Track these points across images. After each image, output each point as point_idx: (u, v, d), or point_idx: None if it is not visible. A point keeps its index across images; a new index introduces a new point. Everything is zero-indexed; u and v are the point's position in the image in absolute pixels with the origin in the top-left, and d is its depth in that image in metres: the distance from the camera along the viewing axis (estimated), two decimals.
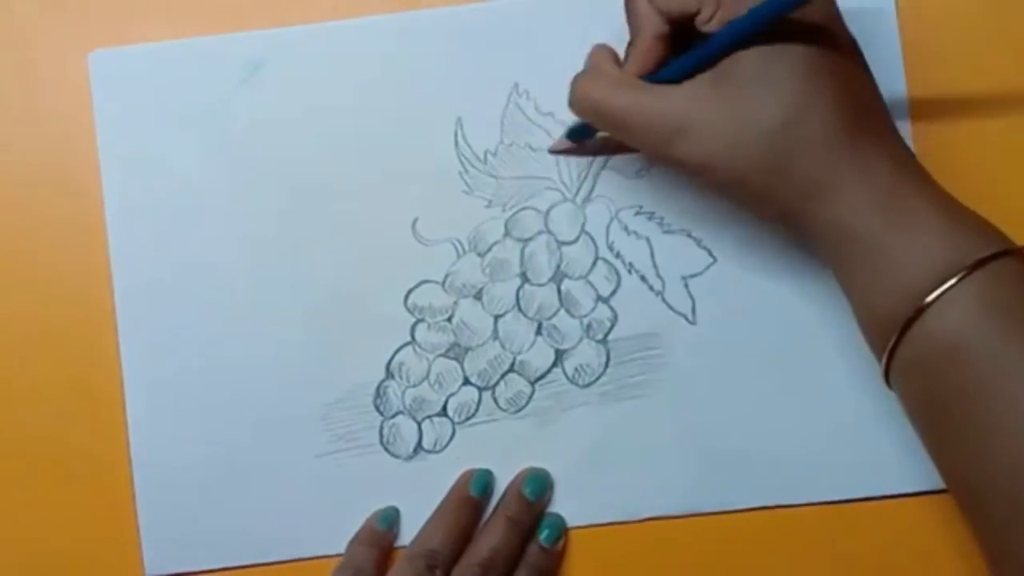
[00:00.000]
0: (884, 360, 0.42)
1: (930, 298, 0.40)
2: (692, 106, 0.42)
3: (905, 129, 0.50)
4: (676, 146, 0.43)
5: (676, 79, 0.43)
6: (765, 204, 0.43)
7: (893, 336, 0.41)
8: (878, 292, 0.41)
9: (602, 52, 0.47)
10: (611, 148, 0.50)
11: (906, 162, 0.42)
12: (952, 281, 0.40)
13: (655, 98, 0.43)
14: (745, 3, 0.41)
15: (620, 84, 0.44)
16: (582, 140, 0.50)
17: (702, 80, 0.42)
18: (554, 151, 0.50)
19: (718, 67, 0.42)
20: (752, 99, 0.41)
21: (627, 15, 0.45)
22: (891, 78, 0.50)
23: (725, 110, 0.42)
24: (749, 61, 0.41)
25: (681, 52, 0.44)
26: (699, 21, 0.43)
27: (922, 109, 0.50)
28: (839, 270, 0.43)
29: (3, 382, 0.51)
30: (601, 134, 0.49)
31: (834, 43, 0.42)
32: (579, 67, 0.50)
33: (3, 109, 0.52)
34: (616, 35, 0.50)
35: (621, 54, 0.47)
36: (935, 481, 0.49)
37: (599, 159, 0.51)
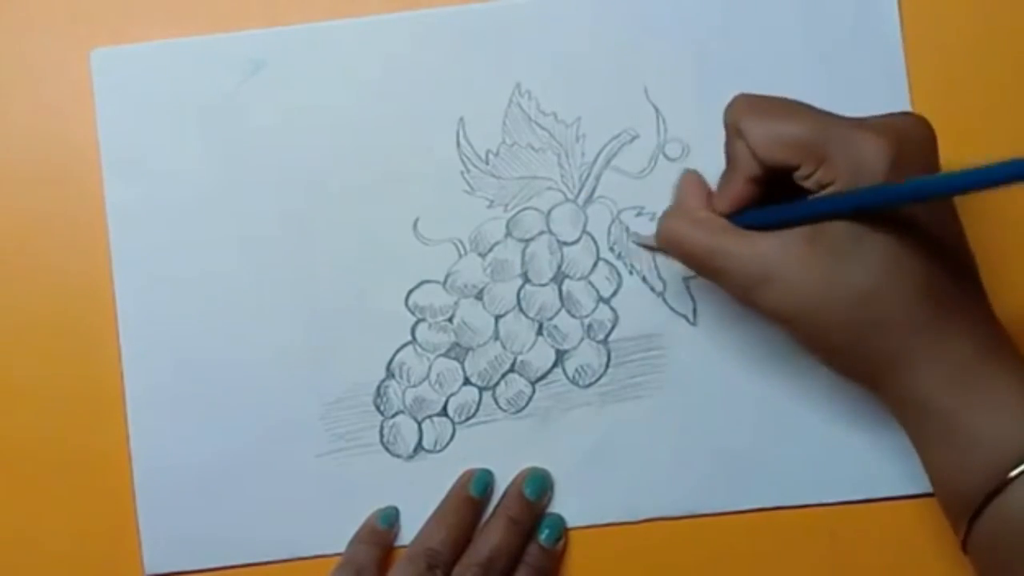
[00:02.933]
0: (963, 532, 0.42)
1: (1013, 474, 0.40)
2: (781, 258, 0.42)
3: None
4: (759, 294, 0.42)
5: (764, 227, 0.43)
6: (843, 365, 0.43)
7: (972, 509, 0.41)
8: (956, 467, 0.41)
9: (690, 184, 0.47)
10: None
11: (989, 336, 0.42)
12: None
13: (742, 244, 0.43)
14: (842, 169, 0.41)
15: (707, 225, 0.44)
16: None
17: (794, 234, 0.42)
18: (640, 244, 0.50)
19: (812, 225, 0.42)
20: (843, 264, 0.41)
21: (726, 150, 0.45)
22: (891, 77, 0.50)
23: (815, 269, 0.41)
24: (846, 225, 0.41)
25: (771, 196, 0.44)
26: (798, 176, 0.42)
27: (923, 109, 0.51)
28: (916, 440, 0.43)
29: (3, 382, 0.51)
30: None
31: (931, 215, 0.42)
32: (582, 67, 0.51)
33: (4, 107, 0.51)
34: (616, 34, 0.51)
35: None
36: None
37: (600, 159, 0.51)
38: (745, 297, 0.43)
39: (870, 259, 0.41)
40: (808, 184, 0.42)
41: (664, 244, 0.45)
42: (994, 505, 0.40)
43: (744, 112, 0.43)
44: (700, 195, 0.46)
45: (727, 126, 0.44)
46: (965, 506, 0.41)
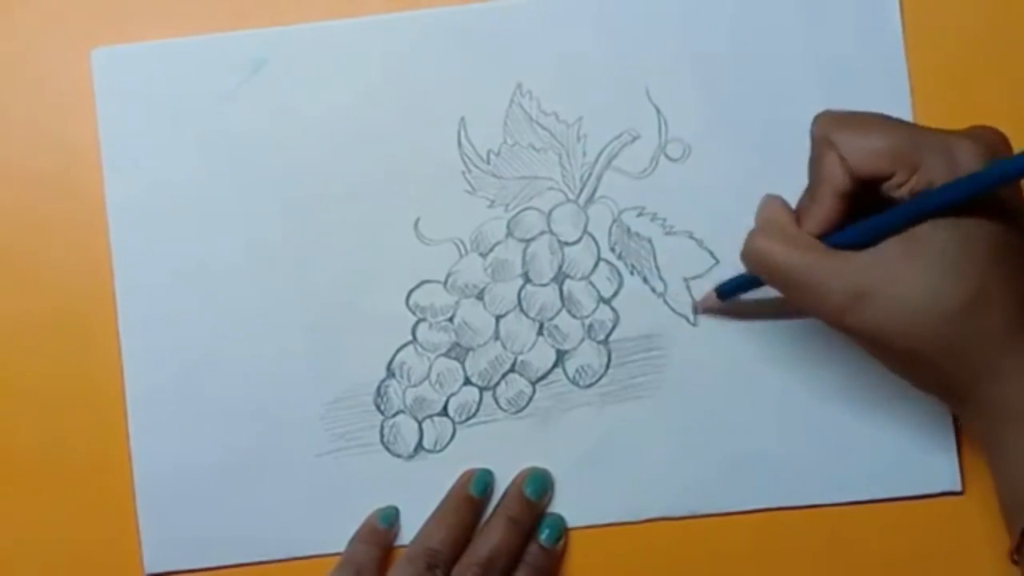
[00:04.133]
0: (1015, 540, 0.42)
1: None
2: (879, 271, 0.41)
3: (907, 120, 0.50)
4: (855, 311, 0.42)
5: (857, 244, 0.42)
6: (932, 378, 0.43)
7: None
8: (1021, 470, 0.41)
9: (775, 205, 0.46)
10: (764, 311, 0.49)
11: None
12: None
13: (837, 260, 0.42)
14: (938, 172, 0.41)
15: (799, 243, 0.43)
16: (730, 296, 0.49)
17: (891, 245, 0.41)
18: (704, 310, 0.50)
19: (908, 234, 0.41)
20: (944, 273, 0.41)
21: (812, 167, 0.44)
22: (892, 77, 0.50)
23: (914, 280, 0.41)
24: (944, 233, 0.41)
25: (858, 213, 0.43)
26: (889, 186, 0.42)
27: (924, 108, 0.51)
28: (992, 443, 0.43)
29: (3, 382, 0.51)
30: (751, 295, 0.48)
31: (1020, 236, 0.42)
32: (583, 67, 0.51)
33: (5, 107, 0.51)
34: (618, 34, 0.51)
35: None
36: (935, 484, 0.49)
37: (602, 160, 0.51)
38: (841, 318, 0.42)
39: (968, 274, 0.41)
40: (901, 192, 0.42)
41: (752, 265, 0.44)
42: None
43: (834, 125, 0.43)
44: (787, 214, 0.45)
45: (815, 140, 0.44)
46: (1021, 509, 0.41)
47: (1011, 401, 0.41)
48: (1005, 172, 0.39)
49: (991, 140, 0.42)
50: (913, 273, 0.41)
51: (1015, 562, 0.42)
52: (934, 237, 0.41)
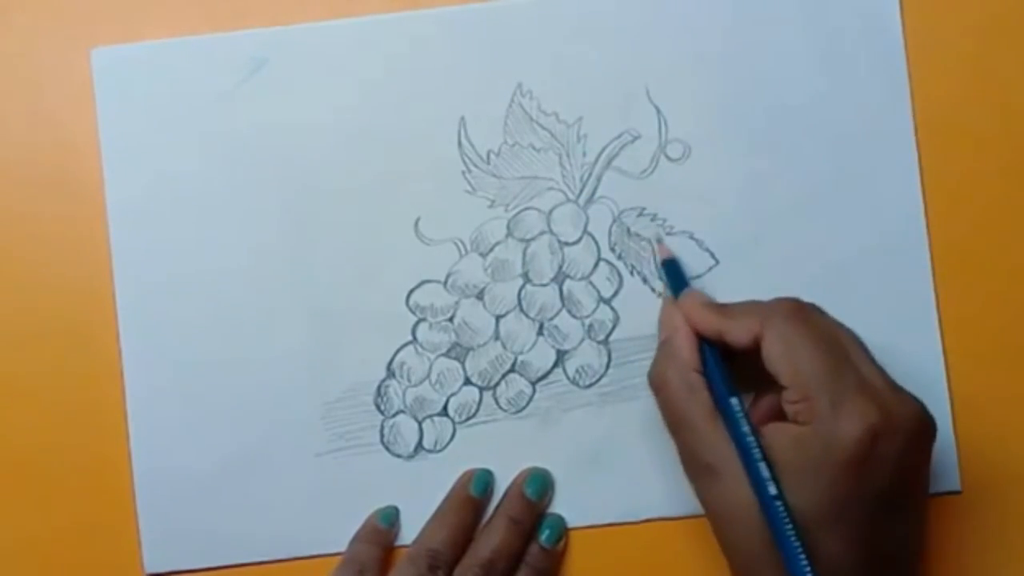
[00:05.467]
0: None
1: None
2: (729, 455, 0.43)
3: (906, 119, 0.50)
4: (704, 483, 0.44)
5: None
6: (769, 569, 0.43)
7: None
8: None
9: (693, 310, 0.47)
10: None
11: None
12: None
13: (713, 432, 0.44)
14: (818, 414, 0.42)
15: (692, 397, 0.45)
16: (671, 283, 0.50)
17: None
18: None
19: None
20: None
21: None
22: (892, 77, 0.50)
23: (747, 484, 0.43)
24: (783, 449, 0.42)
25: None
26: (783, 397, 0.44)
27: (924, 108, 0.51)
28: None
29: (3, 382, 0.51)
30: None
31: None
32: (583, 67, 0.51)
33: (5, 106, 0.51)
34: (618, 35, 0.51)
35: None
36: (935, 484, 0.49)
37: (602, 160, 0.51)
38: (694, 480, 0.45)
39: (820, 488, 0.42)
40: (785, 407, 0.43)
41: (652, 383, 0.46)
42: None
43: (787, 315, 0.44)
44: (692, 351, 0.46)
45: (762, 311, 0.45)
46: None
47: None
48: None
49: (893, 414, 0.42)
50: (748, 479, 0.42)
51: None
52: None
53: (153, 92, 0.51)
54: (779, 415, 0.44)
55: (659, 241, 0.50)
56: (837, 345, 0.44)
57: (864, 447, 0.41)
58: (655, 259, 0.50)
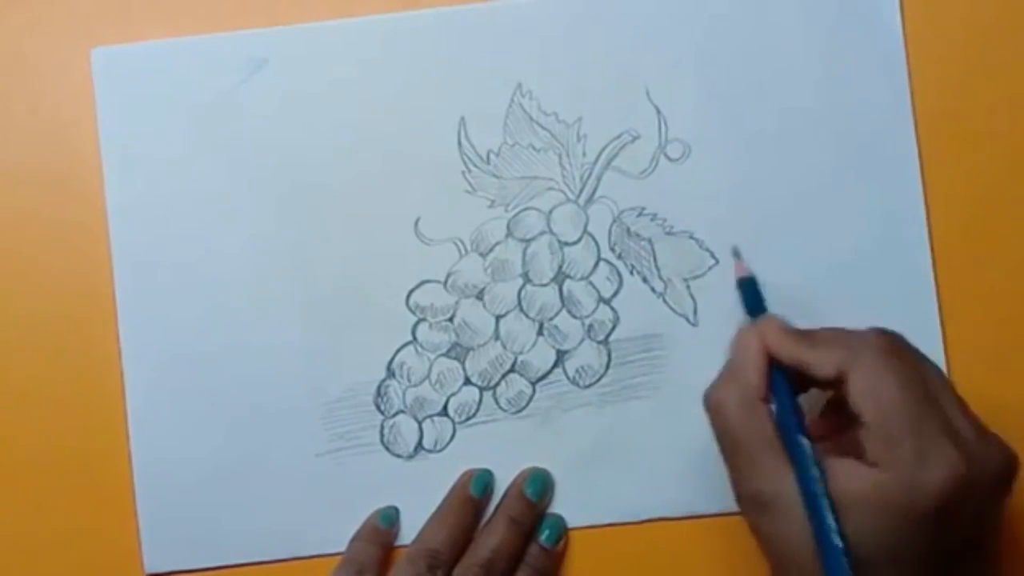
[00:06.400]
0: None
1: None
2: (784, 489, 0.41)
3: (907, 119, 0.50)
4: (756, 513, 0.42)
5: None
6: None
7: None
8: None
9: (769, 337, 0.44)
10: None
11: None
12: None
13: (770, 460, 0.42)
14: (904, 456, 0.40)
15: (752, 423, 0.42)
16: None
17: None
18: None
19: None
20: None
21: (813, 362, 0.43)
22: (892, 77, 0.50)
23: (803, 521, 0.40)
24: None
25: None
26: (862, 435, 0.41)
27: (924, 108, 0.51)
28: None
29: (3, 382, 0.51)
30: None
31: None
32: (583, 67, 0.51)
33: (4, 105, 0.51)
34: (618, 35, 0.51)
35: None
36: None
37: (602, 160, 0.51)
38: (745, 506, 0.43)
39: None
40: (864, 446, 0.40)
41: (710, 406, 0.44)
42: None
43: (865, 354, 0.42)
44: (760, 374, 0.43)
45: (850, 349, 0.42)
46: None
47: None
48: None
49: (982, 462, 0.40)
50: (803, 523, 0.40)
51: None
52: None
53: (153, 92, 0.51)
54: (835, 440, 0.42)
55: (736, 257, 0.48)
56: (926, 386, 0.41)
57: (949, 498, 0.39)
58: (734, 277, 0.47)
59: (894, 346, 0.42)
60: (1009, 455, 0.41)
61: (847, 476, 0.40)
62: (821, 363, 0.42)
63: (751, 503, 0.42)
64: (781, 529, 0.41)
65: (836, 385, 0.42)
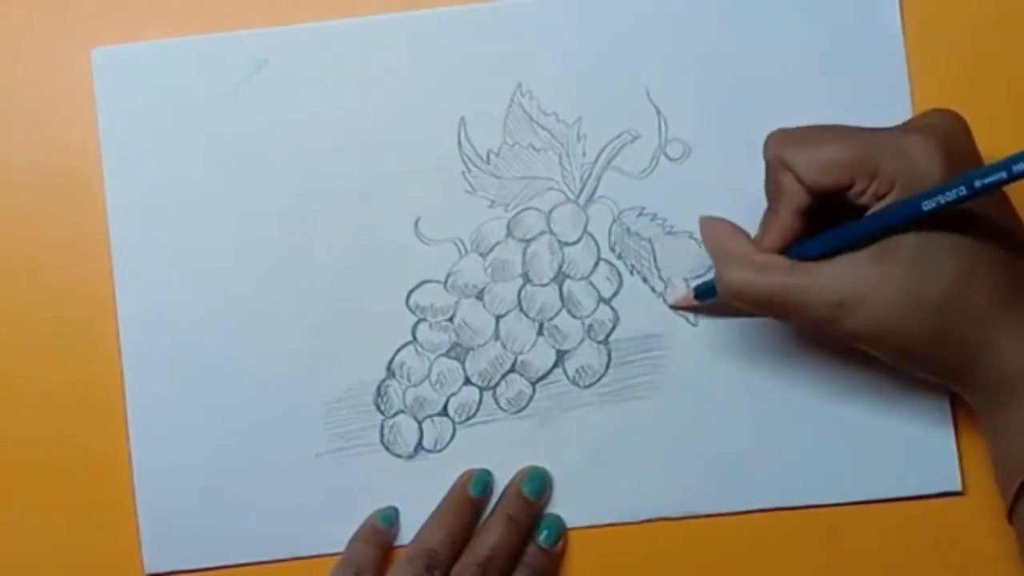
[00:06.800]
0: (1011, 498, 0.42)
1: None
2: (852, 281, 0.42)
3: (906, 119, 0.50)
4: (838, 321, 0.43)
5: (819, 255, 0.43)
6: (928, 366, 0.44)
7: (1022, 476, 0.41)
8: (1018, 428, 0.42)
9: (727, 232, 0.47)
10: (731, 312, 0.49)
11: None
12: None
13: (809, 277, 0.43)
14: (898, 173, 0.42)
15: (767, 268, 0.44)
16: (707, 298, 0.49)
17: (859, 256, 0.42)
18: (676, 307, 0.50)
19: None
20: (917, 275, 0.42)
21: (768, 188, 0.45)
22: (893, 77, 0.50)
23: (890, 285, 0.42)
24: (910, 239, 0.42)
25: (815, 226, 0.44)
26: (853, 194, 0.43)
27: (925, 105, 0.51)
28: (989, 414, 0.44)
29: (3, 382, 0.51)
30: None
31: (987, 204, 0.42)
32: (583, 67, 0.51)
33: (4, 107, 0.51)
34: (618, 34, 0.51)
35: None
36: (935, 484, 0.49)
37: (602, 160, 0.51)
38: (823, 328, 0.43)
39: (945, 261, 0.41)
40: (864, 199, 0.42)
41: (731, 298, 0.45)
42: None
43: (786, 144, 0.44)
44: (745, 241, 0.46)
45: (768, 162, 0.44)
46: (1018, 468, 0.41)
47: (1006, 368, 0.42)
48: (971, 190, 0.40)
49: (944, 129, 0.43)
50: (889, 276, 0.42)
51: (1013, 523, 0.43)
52: (900, 243, 0.42)
53: (153, 92, 0.51)
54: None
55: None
56: (844, 127, 0.44)
57: (946, 166, 0.41)
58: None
59: (801, 131, 0.44)
60: (952, 114, 0.44)
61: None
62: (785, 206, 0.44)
63: (831, 318, 0.43)
64: (872, 312, 0.42)
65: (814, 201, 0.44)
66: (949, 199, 0.40)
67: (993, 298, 0.42)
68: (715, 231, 0.47)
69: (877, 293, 0.42)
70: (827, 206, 0.44)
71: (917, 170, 0.41)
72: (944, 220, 0.41)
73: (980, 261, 0.42)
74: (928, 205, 0.40)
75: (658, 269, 0.50)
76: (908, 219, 0.41)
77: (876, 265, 0.42)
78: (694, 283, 0.50)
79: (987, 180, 0.39)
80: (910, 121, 0.44)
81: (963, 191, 0.40)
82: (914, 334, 0.42)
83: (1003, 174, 0.39)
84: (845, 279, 0.42)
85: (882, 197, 0.42)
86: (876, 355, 0.44)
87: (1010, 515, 0.43)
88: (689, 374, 0.50)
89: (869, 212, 0.42)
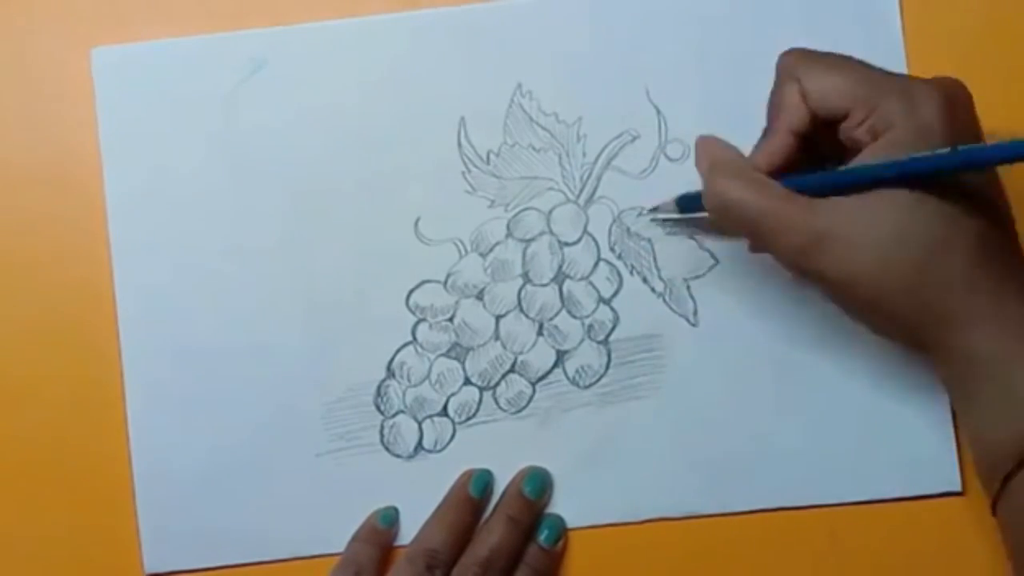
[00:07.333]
0: (995, 491, 0.42)
1: None
2: (839, 221, 0.42)
3: None
4: (818, 256, 0.42)
5: (816, 192, 0.43)
6: (897, 326, 0.43)
7: (1009, 466, 0.41)
8: (998, 422, 0.41)
9: (721, 146, 0.46)
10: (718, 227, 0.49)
11: None
12: None
13: (798, 207, 0.42)
14: (896, 114, 0.41)
15: (761, 187, 0.43)
16: (690, 211, 0.49)
17: (849, 200, 0.42)
18: (657, 216, 0.50)
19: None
20: (903, 226, 0.41)
21: (771, 103, 0.45)
22: (892, 67, 0.50)
23: (874, 231, 0.41)
24: (900, 195, 0.41)
25: (812, 159, 0.44)
26: (847, 127, 0.43)
27: None
28: (960, 396, 0.43)
29: (3, 382, 0.51)
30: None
31: (984, 180, 0.43)
32: (583, 67, 0.51)
33: (4, 107, 0.51)
34: (618, 34, 0.51)
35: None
36: (935, 484, 0.49)
37: (601, 160, 0.51)
38: (801, 260, 0.43)
39: (932, 221, 0.41)
40: (859, 133, 0.42)
41: (716, 208, 0.44)
42: None
43: (801, 60, 0.44)
44: (739, 155, 0.46)
45: (780, 72, 0.45)
46: (1002, 462, 0.41)
47: (976, 347, 0.42)
48: (978, 158, 0.40)
49: (952, 90, 0.43)
50: (873, 225, 0.41)
51: (996, 515, 0.42)
52: (894, 195, 0.41)
53: (153, 92, 0.51)
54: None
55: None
56: (859, 61, 0.44)
57: (947, 116, 0.41)
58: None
59: (802, 56, 0.44)
60: (956, 80, 0.44)
61: (871, 154, 0.42)
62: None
63: (809, 251, 0.42)
64: (848, 255, 0.42)
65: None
66: (945, 165, 0.40)
67: (974, 271, 0.41)
68: (709, 145, 0.47)
69: (858, 238, 0.41)
70: (821, 145, 0.44)
71: (918, 114, 0.41)
72: (936, 186, 0.41)
73: (963, 234, 0.41)
74: (923, 164, 0.40)
75: (658, 269, 0.50)
76: (902, 175, 0.41)
77: (863, 212, 0.42)
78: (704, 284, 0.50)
79: (989, 155, 0.39)
80: (919, 77, 0.44)
81: (962, 160, 0.40)
82: (885, 287, 0.42)
83: (1007, 153, 0.39)
84: (831, 217, 0.42)
85: (878, 135, 0.42)
86: (841, 306, 0.44)
87: (994, 508, 0.42)
88: (689, 374, 0.50)
89: (863, 157, 0.42)
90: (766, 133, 0.45)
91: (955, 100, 0.42)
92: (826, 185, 0.43)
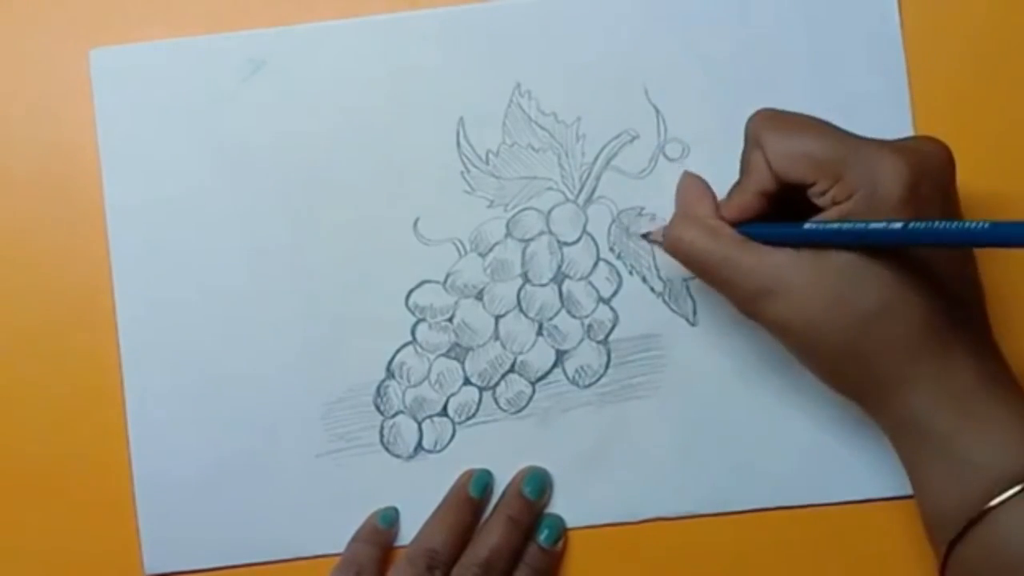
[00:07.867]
0: (942, 555, 0.42)
1: (994, 502, 0.40)
2: (788, 274, 0.42)
3: (906, 120, 0.50)
4: (763, 306, 0.43)
5: (770, 242, 0.43)
6: (838, 381, 0.44)
7: (954, 532, 0.41)
8: (944, 489, 0.42)
9: (695, 189, 0.47)
10: None
11: (990, 368, 0.43)
12: (1017, 488, 0.40)
13: (749, 256, 0.43)
14: (859, 186, 0.42)
15: (716, 235, 0.44)
16: None
17: (802, 253, 0.42)
18: (650, 240, 0.50)
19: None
20: (848, 288, 0.42)
21: (743, 160, 0.45)
22: (892, 78, 0.50)
23: (820, 289, 0.42)
24: (851, 255, 0.42)
25: (780, 210, 0.44)
26: (812, 193, 0.43)
27: (924, 109, 0.51)
28: (906, 459, 0.44)
29: (4, 383, 0.51)
30: None
31: (935, 252, 0.43)
32: (582, 67, 0.51)
33: (4, 107, 0.51)
34: (617, 35, 0.51)
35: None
36: None
37: (601, 160, 0.51)
38: (749, 307, 0.44)
39: (874, 286, 0.42)
40: (822, 201, 0.43)
41: (672, 251, 0.46)
42: (976, 530, 0.40)
43: (766, 125, 0.44)
44: (706, 201, 0.46)
45: (747, 137, 0.45)
46: (947, 528, 0.41)
47: (917, 412, 0.42)
48: (925, 237, 0.40)
49: (926, 161, 0.43)
50: (821, 280, 0.42)
51: None
52: (846, 254, 0.42)
53: (152, 93, 0.51)
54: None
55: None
56: (827, 124, 0.44)
57: (909, 192, 0.41)
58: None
59: (777, 117, 0.45)
60: (936, 141, 0.44)
61: (828, 218, 0.42)
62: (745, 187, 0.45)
63: (757, 300, 0.43)
64: (795, 305, 0.42)
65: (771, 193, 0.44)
66: (892, 239, 0.40)
67: (916, 339, 0.41)
68: (688, 187, 0.48)
69: (802, 292, 0.42)
70: (794, 198, 0.44)
71: (877, 188, 0.42)
72: (885, 253, 0.41)
73: (911, 300, 0.41)
74: (872, 236, 0.41)
75: (657, 269, 0.50)
76: (853, 242, 0.41)
77: (811, 268, 0.42)
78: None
79: (936, 234, 0.39)
80: (898, 140, 0.44)
81: (910, 237, 0.40)
82: (827, 343, 0.42)
83: (958, 236, 0.38)
84: (780, 268, 0.43)
85: (839, 203, 0.42)
86: (789, 351, 0.44)
87: (942, 572, 0.42)
88: (688, 374, 0.50)
89: (823, 217, 0.43)
90: (736, 189, 0.46)
91: (925, 171, 0.42)
92: (782, 237, 0.43)
